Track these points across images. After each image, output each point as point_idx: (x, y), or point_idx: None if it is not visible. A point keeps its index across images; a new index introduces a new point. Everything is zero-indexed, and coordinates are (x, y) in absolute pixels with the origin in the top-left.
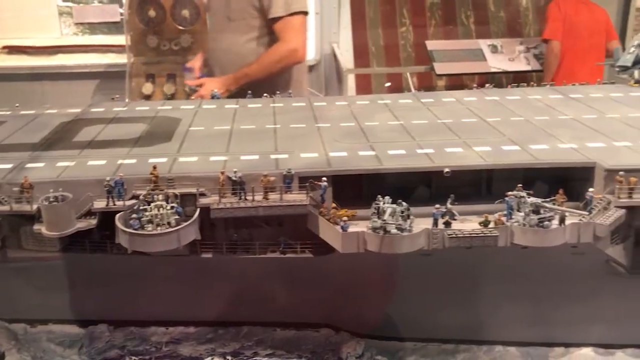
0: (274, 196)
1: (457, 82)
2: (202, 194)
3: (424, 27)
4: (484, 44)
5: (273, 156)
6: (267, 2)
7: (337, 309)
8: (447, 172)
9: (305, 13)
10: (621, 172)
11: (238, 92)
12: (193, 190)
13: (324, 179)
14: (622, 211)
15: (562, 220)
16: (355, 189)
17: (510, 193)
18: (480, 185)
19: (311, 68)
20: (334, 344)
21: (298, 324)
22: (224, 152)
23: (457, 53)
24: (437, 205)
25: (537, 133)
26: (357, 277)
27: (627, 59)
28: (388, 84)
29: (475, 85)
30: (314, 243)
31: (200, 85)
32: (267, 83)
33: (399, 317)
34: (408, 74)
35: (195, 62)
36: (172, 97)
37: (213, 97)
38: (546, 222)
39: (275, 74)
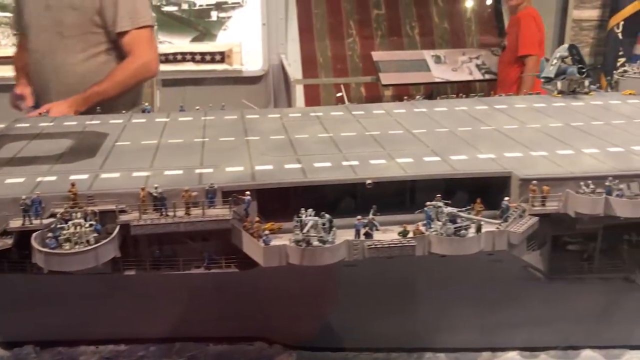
0: (196, 211)
1: (403, 92)
2: (123, 211)
3: (370, 38)
4: (427, 55)
5: (198, 171)
6: (110, 16)
7: (270, 321)
8: (369, 183)
9: (152, 26)
10: (534, 181)
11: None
12: (113, 207)
13: (248, 193)
14: (536, 219)
15: (478, 229)
16: (281, 202)
17: (429, 203)
18: (404, 195)
19: (259, 79)
20: (268, 357)
21: (231, 338)
22: (147, 168)
23: (402, 64)
24: (359, 217)
25: (459, 144)
26: (288, 289)
27: (550, 70)
28: (340, 94)
29: (406, 97)
30: (239, 257)
31: (47, 112)
32: (117, 99)
33: (331, 328)
34: (342, 86)
35: (24, 88)
36: None
37: (144, 110)
38: (462, 231)
39: (128, 89)
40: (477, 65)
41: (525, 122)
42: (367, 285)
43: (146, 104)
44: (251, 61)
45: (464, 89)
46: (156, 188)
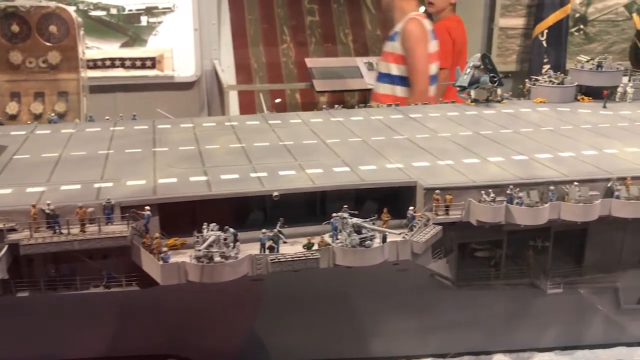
0: (92, 229)
1: (338, 98)
2: (12, 229)
3: (304, 44)
4: (360, 62)
5: (97, 185)
6: None
7: (182, 339)
8: (276, 195)
9: None
10: (437, 191)
11: None
12: (0, 225)
13: (147, 207)
14: (439, 228)
15: (384, 239)
16: (186, 216)
17: (335, 215)
18: (314, 206)
19: (191, 85)
20: None
21: (144, 357)
22: (44, 182)
23: (335, 70)
24: (264, 230)
25: (370, 154)
26: (201, 305)
27: (464, 79)
28: (278, 100)
29: (324, 106)
30: (141, 275)
31: None
32: None
33: (242, 342)
34: (261, 94)
35: None
36: (40, 116)
37: (50, 121)
38: (367, 242)
39: None
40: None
41: (437, 130)
42: (282, 298)
43: (52, 114)
44: (183, 67)
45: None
46: (48, 204)
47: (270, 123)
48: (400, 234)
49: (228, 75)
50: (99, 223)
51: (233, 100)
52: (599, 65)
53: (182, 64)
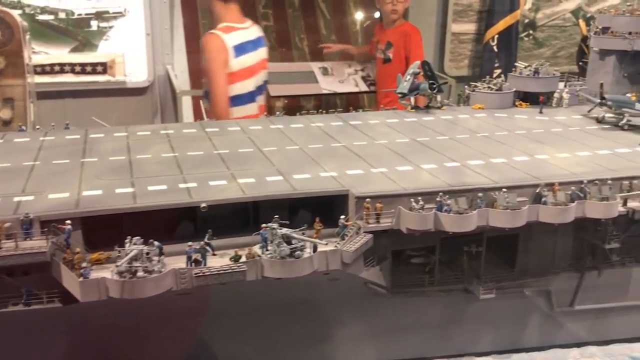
0: (9, 244)
1: (294, 103)
2: None
3: None
4: (315, 67)
5: (17, 198)
6: None
7: (116, 354)
8: (204, 207)
9: None
10: (368, 199)
11: None
12: None
13: (68, 222)
14: (369, 236)
15: (315, 249)
16: (111, 229)
17: (264, 225)
18: (246, 217)
19: (144, 90)
20: None
21: None
22: None
23: (290, 75)
24: (190, 243)
25: (306, 162)
26: (133, 320)
27: (404, 86)
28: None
29: (265, 113)
30: (64, 291)
31: None
32: None
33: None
34: (201, 100)
35: None
36: (9, 123)
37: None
38: (298, 252)
39: None
40: (363, 77)
41: (375, 138)
42: (224, 309)
43: (20, 124)
44: (135, 72)
45: (353, 99)
46: None
47: (208, 131)
48: (326, 243)
49: (182, 81)
50: (15, 239)
51: (187, 105)
52: (536, 72)
53: (134, 69)
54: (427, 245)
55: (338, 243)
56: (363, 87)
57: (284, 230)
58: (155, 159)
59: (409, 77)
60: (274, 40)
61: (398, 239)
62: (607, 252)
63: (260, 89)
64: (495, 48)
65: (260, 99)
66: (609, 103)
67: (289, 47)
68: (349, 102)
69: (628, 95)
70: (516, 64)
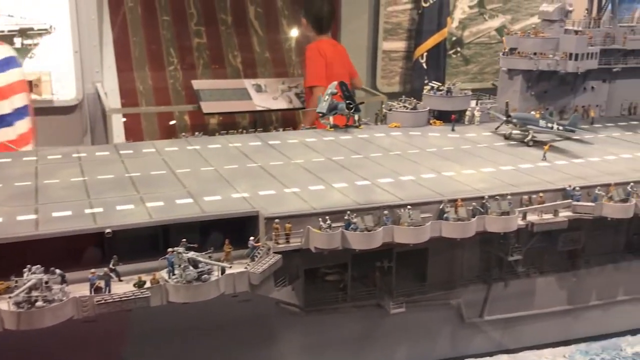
0: None
1: (228, 120)
2: None
3: (192, 66)
4: (249, 84)
5: None
6: None
7: None
8: (108, 232)
9: None
10: (277, 220)
11: None
12: None
13: None
14: (278, 257)
15: (223, 272)
16: (14, 257)
17: (170, 249)
18: (156, 241)
19: (72, 109)
20: None
21: None
22: None
23: (223, 92)
24: (93, 270)
25: (219, 183)
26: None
27: (323, 105)
28: (173, 122)
29: (184, 133)
30: None
31: None
32: None
33: None
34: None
35: None
36: None
37: None
38: (205, 276)
39: None
40: (297, 94)
41: (292, 157)
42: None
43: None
44: (63, 90)
45: (287, 116)
46: None
47: (121, 153)
48: (230, 266)
49: (112, 99)
50: None
51: (119, 124)
52: (449, 91)
53: (62, 88)
54: (340, 262)
55: (248, 264)
56: (297, 104)
57: (190, 254)
58: (63, 184)
59: (327, 97)
60: (207, 58)
61: (311, 258)
62: (512, 264)
63: (20, 114)
64: (424, 65)
65: (22, 125)
66: (514, 121)
67: (222, 64)
68: (284, 119)
69: (532, 112)
70: (430, 83)
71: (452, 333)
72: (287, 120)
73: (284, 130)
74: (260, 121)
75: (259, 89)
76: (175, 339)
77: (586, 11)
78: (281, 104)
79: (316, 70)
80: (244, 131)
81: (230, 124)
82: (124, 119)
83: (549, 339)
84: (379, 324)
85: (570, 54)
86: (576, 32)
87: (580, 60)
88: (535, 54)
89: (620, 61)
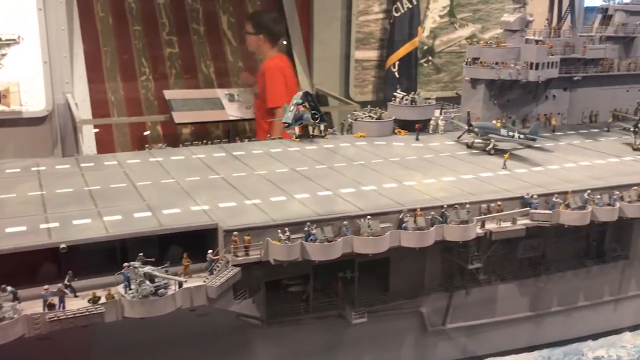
0: None
1: (201, 130)
2: None
3: (164, 76)
4: (221, 93)
5: None
6: None
7: None
8: (63, 248)
9: None
10: (235, 232)
11: None
12: None
13: None
14: (237, 269)
15: (180, 285)
16: None
17: (126, 264)
18: (114, 255)
19: (42, 120)
20: None
21: None
22: None
23: (196, 102)
24: (46, 286)
25: (180, 196)
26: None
27: (288, 116)
28: (147, 132)
29: (147, 145)
30: None
31: None
32: None
33: None
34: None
35: None
36: None
37: None
38: (161, 290)
39: None
40: None
41: (255, 168)
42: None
43: None
44: (32, 101)
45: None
46: None
47: (82, 166)
48: (186, 280)
49: (83, 110)
50: None
51: (90, 135)
52: (413, 101)
53: (32, 98)
54: (301, 273)
55: (206, 278)
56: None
57: (147, 269)
58: (19, 199)
59: (292, 107)
60: (180, 67)
61: (272, 270)
62: (473, 272)
63: None
64: (396, 74)
65: None
66: (476, 130)
67: (195, 74)
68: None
69: (494, 121)
70: (395, 93)
71: (415, 341)
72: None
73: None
74: (234, 130)
75: (231, 98)
76: (141, 353)
77: (546, 21)
78: (254, 114)
79: (279, 90)
80: (220, 141)
81: (203, 133)
82: (96, 130)
83: (512, 345)
84: (342, 334)
85: (531, 63)
86: (537, 41)
87: (541, 70)
88: (497, 63)
89: (580, 70)
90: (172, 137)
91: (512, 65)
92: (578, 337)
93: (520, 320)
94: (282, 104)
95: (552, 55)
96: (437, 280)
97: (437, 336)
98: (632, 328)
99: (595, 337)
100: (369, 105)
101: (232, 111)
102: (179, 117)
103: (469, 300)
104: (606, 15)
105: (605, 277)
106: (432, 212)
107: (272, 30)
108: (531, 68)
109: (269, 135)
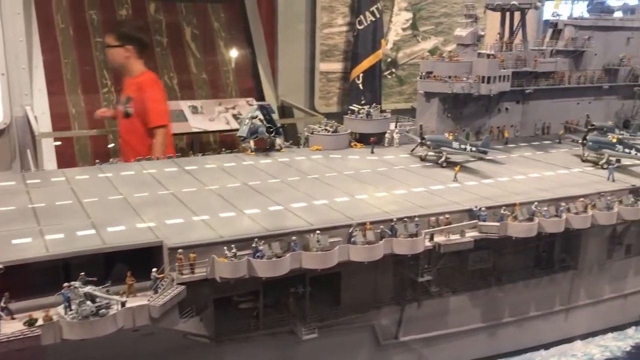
0: None
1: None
2: None
3: None
4: (184, 105)
5: None
6: None
7: None
8: (0, 268)
9: None
10: (180, 250)
11: None
12: None
13: None
14: (182, 288)
15: (122, 305)
16: None
17: (66, 284)
18: (57, 275)
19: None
20: None
21: None
22: None
23: None
24: None
25: (126, 212)
26: None
27: (243, 129)
28: (111, 145)
29: (98, 161)
30: None
31: None
32: None
33: None
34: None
35: None
36: None
37: None
38: (103, 310)
39: None
40: (234, 115)
41: (207, 183)
42: None
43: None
44: None
45: (225, 137)
46: None
47: (28, 183)
48: (126, 300)
49: (43, 123)
50: None
51: (50, 149)
52: (368, 114)
53: None
54: (251, 290)
55: (151, 297)
56: (234, 125)
57: (87, 289)
58: None
59: (247, 120)
60: None
61: (220, 287)
62: (424, 284)
63: None
64: (361, 86)
65: None
66: (428, 143)
67: None
68: (223, 140)
69: (446, 134)
70: (350, 107)
71: (368, 356)
72: (225, 141)
73: (222, 151)
74: (198, 143)
75: (195, 110)
76: None
77: (498, 35)
78: (218, 125)
79: (162, 107)
80: (194, 154)
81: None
82: (57, 143)
83: (465, 357)
84: (294, 350)
85: (483, 77)
86: (489, 55)
87: (493, 83)
88: (450, 77)
89: (532, 83)
90: None
91: (465, 79)
92: (531, 346)
93: (473, 331)
94: (166, 122)
95: (503, 69)
96: (389, 294)
97: (390, 350)
98: (583, 337)
99: (547, 346)
100: (325, 119)
101: (196, 123)
102: None
103: (421, 313)
104: (556, 29)
105: (555, 287)
106: (382, 226)
107: (142, 40)
108: (483, 82)
109: (224, 149)
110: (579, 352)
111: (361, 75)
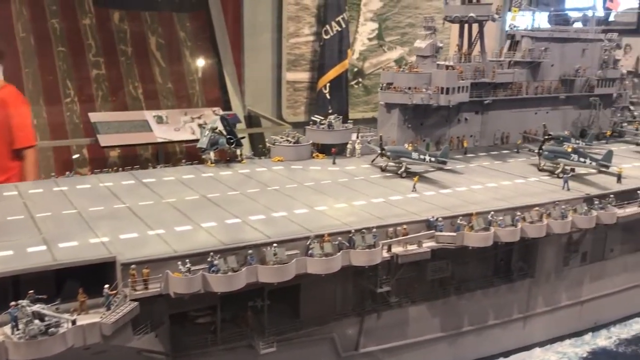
0: None
1: (130, 153)
2: None
3: (91, 98)
4: (149, 115)
5: None
6: None
7: None
8: None
9: None
10: (133, 265)
11: None
12: None
13: None
14: (134, 304)
15: (74, 323)
16: None
17: (13, 303)
18: (5, 294)
19: None
20: None
21: None
22: None
23: (123, 124)
24: None
25: (79, 227)
26: None
27: (203, 141)
28: (76, 156)
29: (53, 174)
30: None
31: None
32: None
33: None
34: None
35: None
36: None
37: None
38: (52, 329)
39: None
40: (200, 125)
41: (164, 196)
42: None
43: None
44: None
45: (191, 147)
46: None
47: None
48: (75, 318)
49: None
50: None
51: None
52: (330, 125)
53: None
54: (208, 305)
55: (103, 314)
56: (199, 135)
57: (35, 307)
58: None
59: (207, 132)
60: (106, 89)
61: (176, 302)
62: (384, 295)
63: None
64: (328, 95)
65: None
66: (388, 154)
67: (122, 95)
68: (189, 151)
69: (405, 145)
70: (312, 118)
71: None
72: (191, 151)
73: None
74: (164, 153)
75: (160, 120)
76: None
77: (457, 47)
78: (183, 135)
79: (28, 125)
80: (159, 165)
81: (131, 156)
82: None
83: None
84: None
85: (442, 88)
86: (447, 67)
87: (452, 94)
88: (409, 88)
89: (490, 94)
90: (100, 161)
91: (424, 90)
92: (490, 355)
93: (433, 340)
94: (34, 142)
95: (462, 80)
96: (349, 305)
97: None
98: (541, 344)
99: (506, 354)
100: (287, 130)
101: (161, 133)
102: (104, 140)
103: (381, 324)
104: (513, 40)
105: (513, 295)
106: (340, 238)
107: None
108: (442, 93)
109: (183, 161)
110: (537, 359)
111: (328, 84)
